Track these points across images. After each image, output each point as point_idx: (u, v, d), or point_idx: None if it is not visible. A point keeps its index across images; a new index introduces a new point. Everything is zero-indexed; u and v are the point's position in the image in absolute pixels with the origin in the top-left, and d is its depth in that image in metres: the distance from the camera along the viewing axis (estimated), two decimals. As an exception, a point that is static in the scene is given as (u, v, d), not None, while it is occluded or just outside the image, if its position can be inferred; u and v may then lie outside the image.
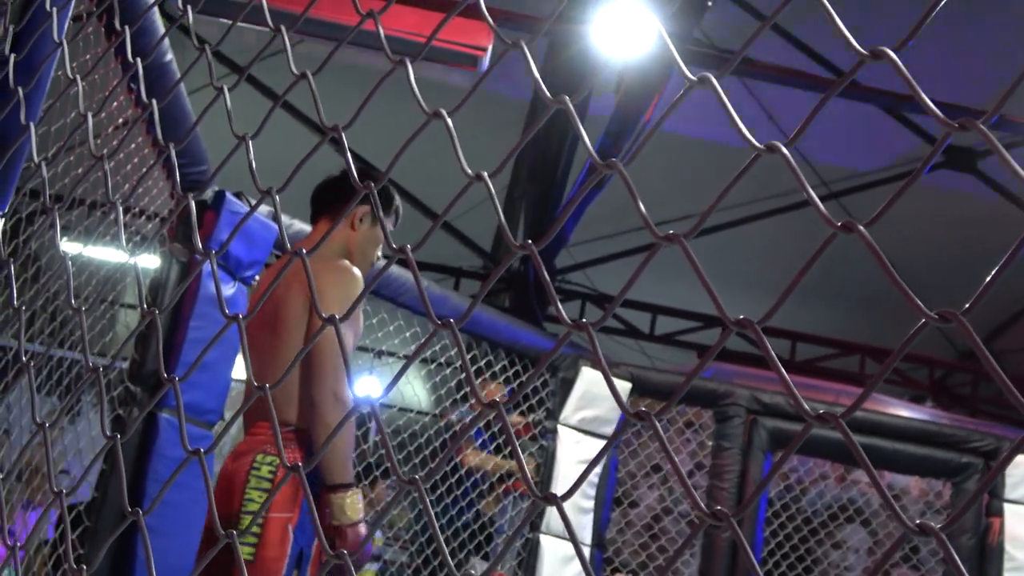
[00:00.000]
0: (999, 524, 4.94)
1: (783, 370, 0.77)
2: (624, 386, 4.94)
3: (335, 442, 2.46)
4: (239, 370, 3.58)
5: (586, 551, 4.77)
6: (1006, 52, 6.48)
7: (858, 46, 0.79)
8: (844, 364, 10.46)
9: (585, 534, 4.79)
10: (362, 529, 2.51)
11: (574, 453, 4.79)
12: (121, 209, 1.41)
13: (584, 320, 0.93)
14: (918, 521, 0.73)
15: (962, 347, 11.86)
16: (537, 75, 0.98)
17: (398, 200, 2.92)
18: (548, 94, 0.93)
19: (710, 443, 5.24)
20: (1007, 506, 4.93)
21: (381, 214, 1.19)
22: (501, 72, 7.68)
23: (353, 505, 2.51)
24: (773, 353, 0.75)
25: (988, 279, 0.78)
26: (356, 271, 2.69)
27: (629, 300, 10.13)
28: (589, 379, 4.87)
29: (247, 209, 3.31)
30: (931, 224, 8.71)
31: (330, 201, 2.87)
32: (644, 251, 9.16)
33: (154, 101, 1.50)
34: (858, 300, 10.08)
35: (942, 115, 0.72)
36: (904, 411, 7.35)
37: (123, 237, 1.41)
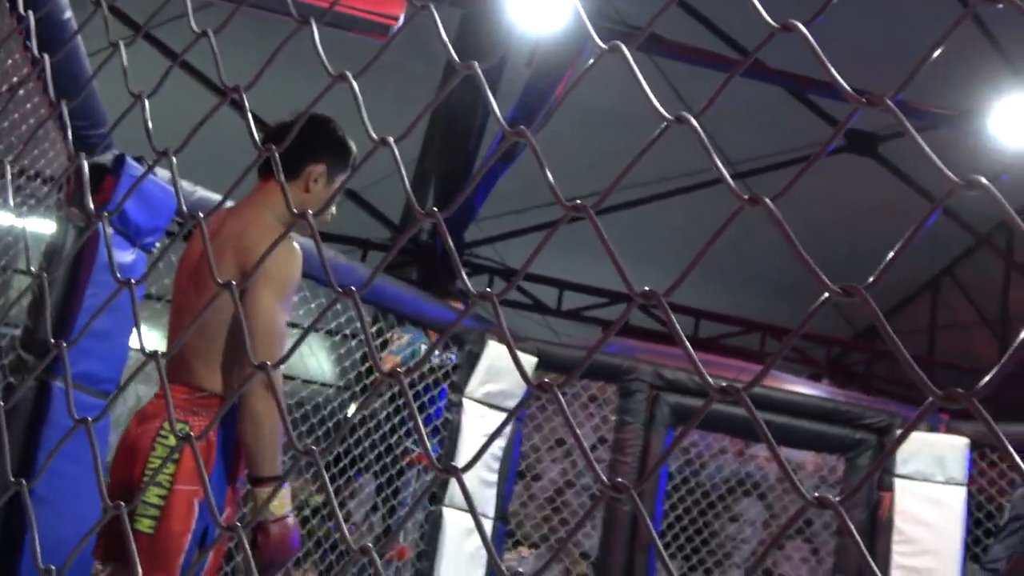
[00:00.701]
0: (890, 498, 5.10)
1: (687, 342, 0.77)
2: (530, 360, 4.96)
3: (263, 431, 2.32)
4: (136, 339, 3.49)
5: (489, 524, 4.79)
6: (907, 39, 6.64)
7: (769, 19, 0.79)
8: (745, 342, 10.67)
9: (488, 507, 4.80)
10: (289, 522, 2.38)
11: (479, 426, 4.79)
12: (9, 170, 1.35)
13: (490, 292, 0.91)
14: (817, 495, 0.73)
15: (858, 327, 12.20)
16: (446, 39, 0.96)
17: (355, 149, 2.69)
18: (457, 59, 0.91)
19: (613, 417, 5.30)
20: (897, 481, 5.09)
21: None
22: (411, 44, 7.59)
23: (280, 499, 2.38)
24: (678, 325, 0.75)
25: (889, 256, 0.79)
26: (298, 248, 2.51)
27: (536, 275, 10.17)
28: (495, 353, 4.88)
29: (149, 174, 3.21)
30: (831, 209, 8.91)
31: (281, 157, 2.63)
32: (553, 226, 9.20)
33: (47, 57, 1.44)
34: (760, 281, 10.29)
35: (850, 89, 0.72)
36: (802, 388, 7.53)
37: (11, 199, 1.35)
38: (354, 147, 2.71)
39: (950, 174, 0.74)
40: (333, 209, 2.65)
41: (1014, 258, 9.88)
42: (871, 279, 0.72)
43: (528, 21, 5.38)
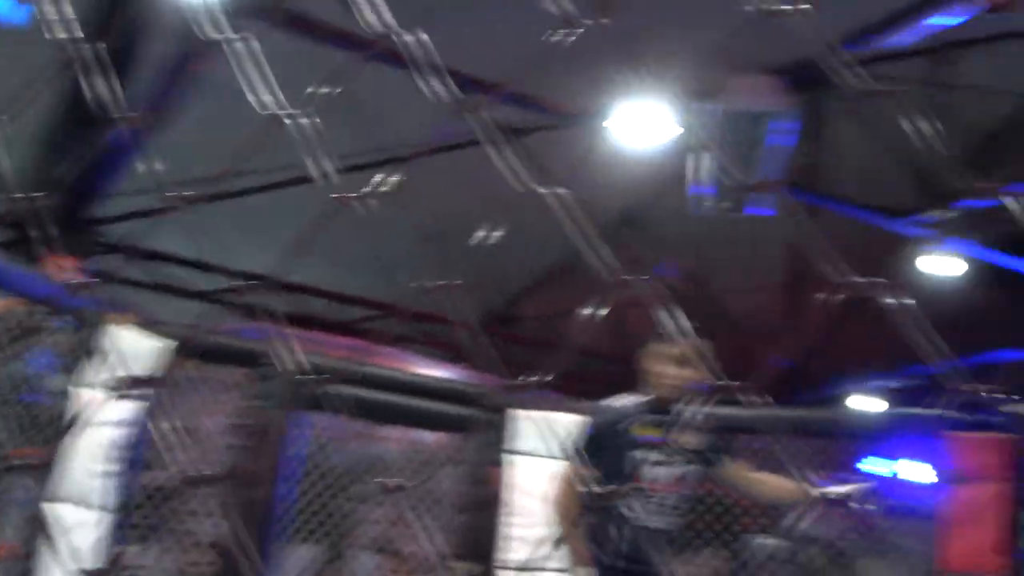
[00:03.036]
0: (501, 473, 5.40)
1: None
2: (168, 345, 4.76)
3: None
4: None
5: (108, 517, 4.57)
6: (528, 28, 6.97)
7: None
8: (384, 326, 10.84)
9: (108, 499, 4.57)
10: None
11: (98, 415, 4.55)
12: None
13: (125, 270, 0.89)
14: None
15: (491, 311, 12.76)
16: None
17: None
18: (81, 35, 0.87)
19: (248, 403, 5.21)
20: (508, 456, 5.40)
21: None
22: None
23: None
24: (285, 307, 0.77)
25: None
26: None
27: (176, 256, 9.81)
28: (117, 337, 4.64)
29: None
30: (475, 199, 9.21)
31: None
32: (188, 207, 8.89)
33: None
34: (402, 266, 10.48)
35: (451, 88, 0.77)
36: (437, 371, 7.76)
37: None
38: None
39: (547, 183, 0.81)
40: None
41: (633, 249, 10.71)
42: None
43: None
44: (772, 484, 3.91)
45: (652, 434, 3.66)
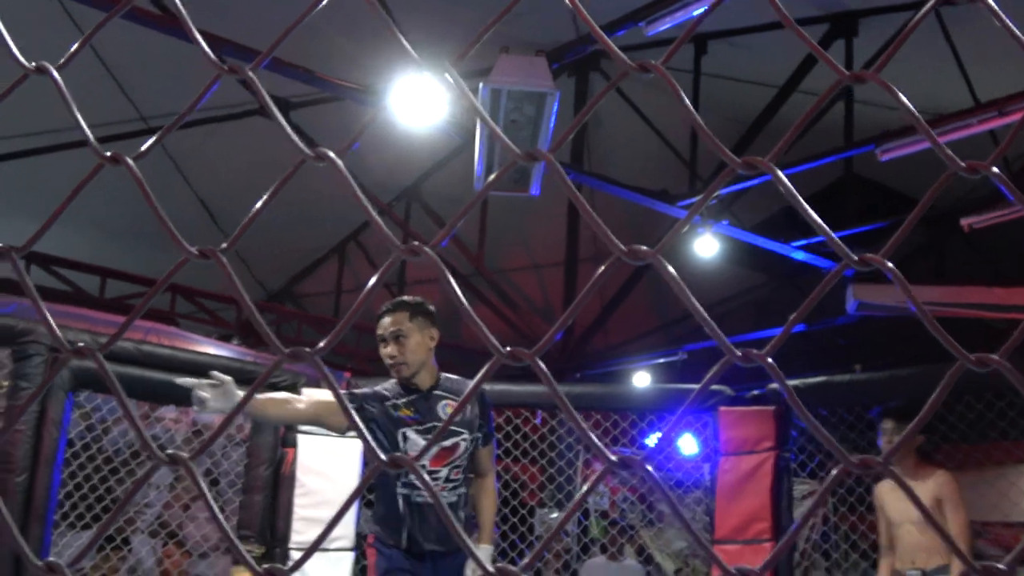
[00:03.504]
0: (293, 454, 5.32)
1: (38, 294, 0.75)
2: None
3: None
4: None
5: None
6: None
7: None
8: (156, 302, 10.42)
9: None
10: None
11: None
12: None
13: None
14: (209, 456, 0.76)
15: (270, 289, 12.51)
16: None
17: None
18: None
19: (6, 383, 4.92)
20: (299, 436, 5.33)
21: None
22: None
23: None
24: (29, 281, 0.73)
25: (253, 214, 0.83)
26: None
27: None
28: None
29: None
30: (246, 169, 9.02)
31: None
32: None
33: None
34: (164, 238, 10.11)
35: (215, 58, 0.74)
36: (212, 349, 7.54)
37: None
38: None
39: (310, 149, 0.80)
40: None
41: (410, 226, 10.77)
42: (230, 243, 0.75)
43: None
44: (483, 489, 3.85)
45: (407, 414, 3.67)
